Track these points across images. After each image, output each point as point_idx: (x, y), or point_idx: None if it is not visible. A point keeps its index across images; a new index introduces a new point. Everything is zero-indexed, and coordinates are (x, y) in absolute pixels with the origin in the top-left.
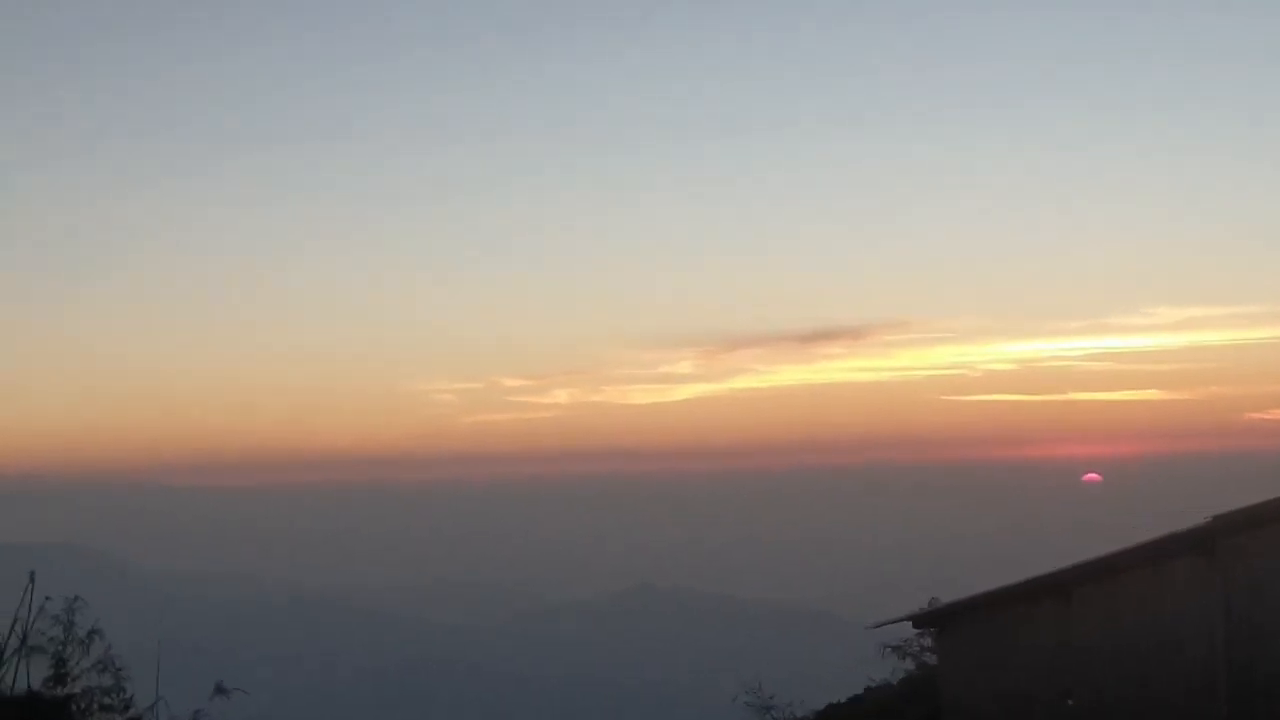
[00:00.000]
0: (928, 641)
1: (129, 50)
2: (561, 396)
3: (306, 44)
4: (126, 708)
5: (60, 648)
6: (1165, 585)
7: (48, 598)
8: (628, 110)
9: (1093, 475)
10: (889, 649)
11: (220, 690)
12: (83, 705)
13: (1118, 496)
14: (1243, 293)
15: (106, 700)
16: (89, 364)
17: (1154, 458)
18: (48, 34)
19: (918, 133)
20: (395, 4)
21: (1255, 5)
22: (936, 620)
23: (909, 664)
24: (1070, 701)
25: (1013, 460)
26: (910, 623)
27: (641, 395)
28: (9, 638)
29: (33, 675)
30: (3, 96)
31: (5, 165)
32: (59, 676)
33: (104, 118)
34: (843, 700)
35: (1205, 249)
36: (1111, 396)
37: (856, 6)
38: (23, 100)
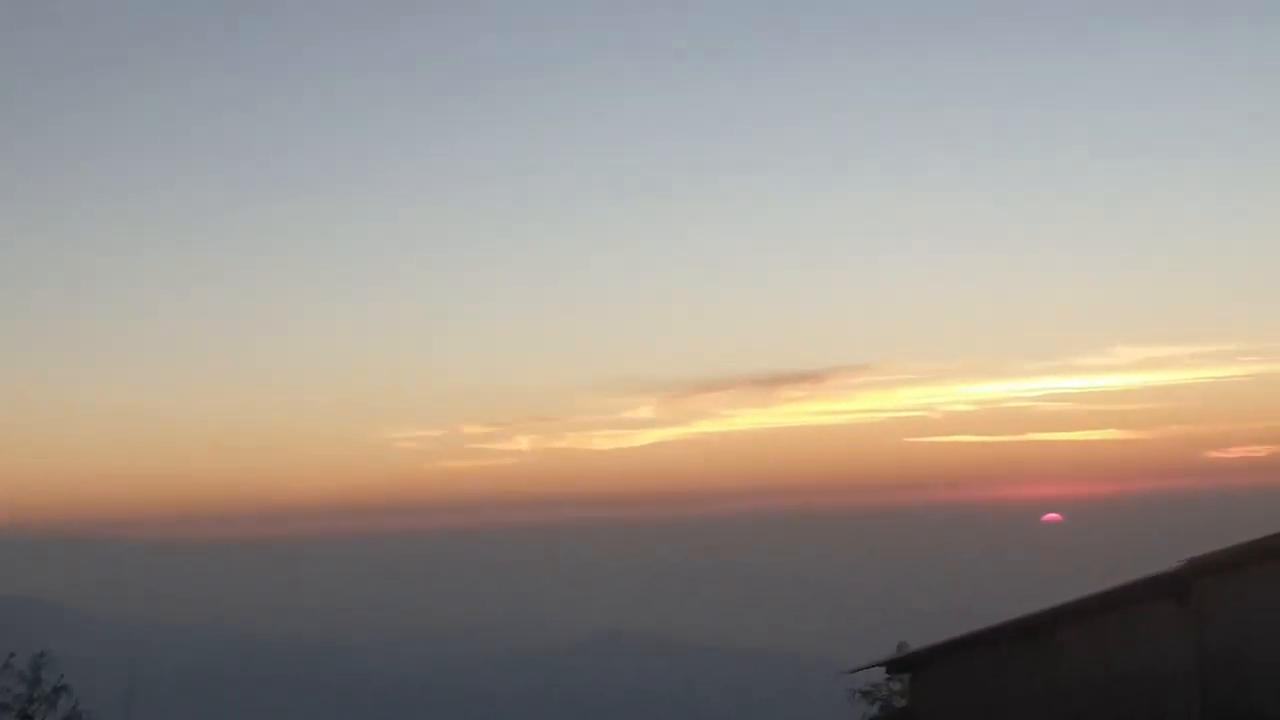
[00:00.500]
0: (896, 686)
1: (105, 93)
2: (523, 443)
3: (268, 100)
4: None
5: (26, 704)
6: (1140, 628)
7: (13, 654)
8: (587, 159)
9: (1054, 515)
10: (858, 694)
11: None
12: None
13: (1079, 536)
14: (1201, 332)
15: None
16: (43, 416)
17: (1115, 497)
18: (41, 66)
19: (877, 178)
20: (355, 57)
21: (1210, 48)
22: (910, 665)
23: (876, 709)
24: None
25: (975, 501)
26: (883, 667)
27: (604, 441)
28: None
29: None
30: None
31: None
32: None
33: (67, 162)
34: None
35: (1164, 289)
36: (1072, 436)
37: (810, 55)
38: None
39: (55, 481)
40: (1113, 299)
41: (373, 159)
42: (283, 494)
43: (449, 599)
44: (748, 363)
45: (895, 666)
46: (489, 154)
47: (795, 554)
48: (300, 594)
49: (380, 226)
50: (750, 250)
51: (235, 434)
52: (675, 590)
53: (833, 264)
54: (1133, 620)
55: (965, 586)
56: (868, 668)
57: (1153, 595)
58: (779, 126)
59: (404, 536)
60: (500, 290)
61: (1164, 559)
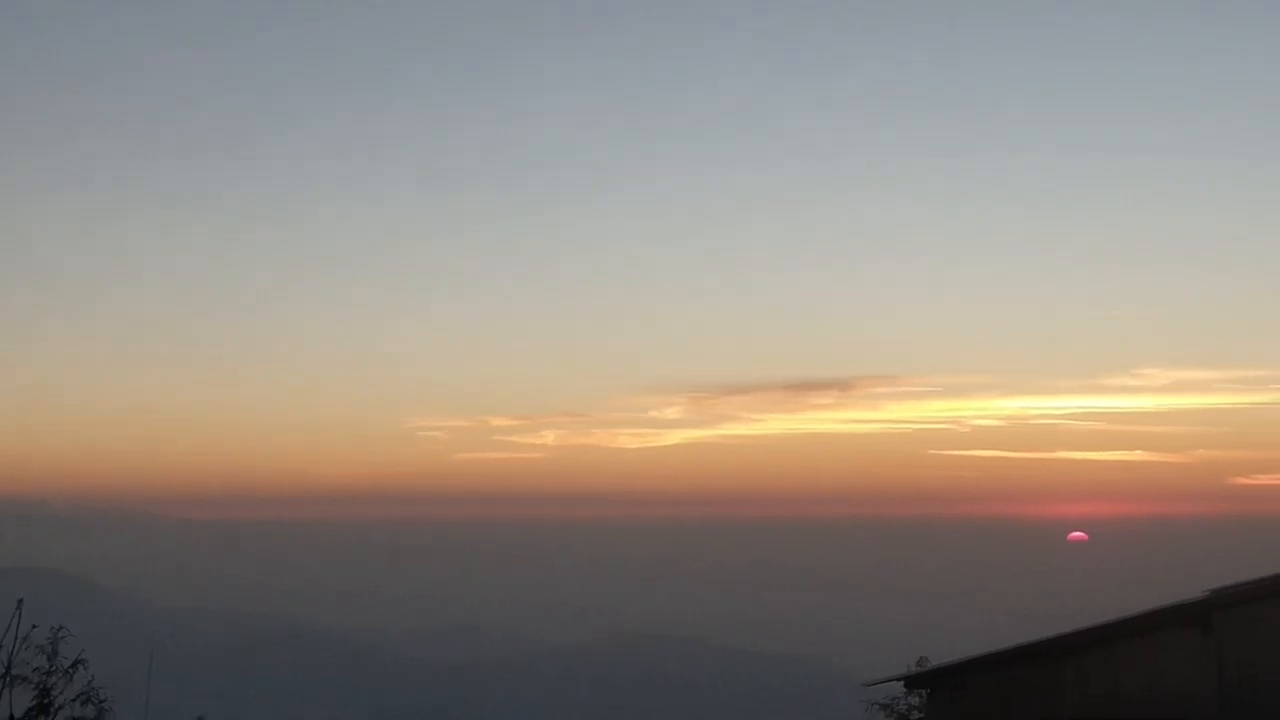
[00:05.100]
0: (915, 700)
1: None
2: (550, 437)
3: (310, 81)
4: None
5: (44, 678)
6: (1160, 657)
7: (34, 626)
8: (621, 158)
9: (1079, 534)
10: (875, 705)
11: None
12: None
13: (1103, 556)
14: (1232, 356)
15: None
16: (85, 394)
17: (1140, 518)
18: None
19: (918, 189)
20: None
21: (1242, 62)
22: (928, 681)
23: None
24: None
25: (1000, 516)
26: (901, 682)
27: (630, 439)
28: None
29: (16, 704)
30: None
31: None
32: (42, 706)
33: (97, 141)
34: None
35: (1196, 312)
36: (1099, 456)
37: (840, 62)
38: (18, 121)
39: (93, 457)
40: (1145, 320)
41: (415, 155)
42: (312, 478)
43: (469, 590)
44: (777, 368)
45: (914, 682)
46: (527, 152)
47: (816, 559)
48: (324, 578)
49: (418, 222)
50: (784, 256)
51: (268, 418)
52: (694, 591)
53: (865, 273)
54: (1154, 649)
55: (987, 601)
56: (886, 681)
57: (1176, 623)
58: (811, 134)
59: (427, 525)
60: (535, 286)
61: (1188, 583)
